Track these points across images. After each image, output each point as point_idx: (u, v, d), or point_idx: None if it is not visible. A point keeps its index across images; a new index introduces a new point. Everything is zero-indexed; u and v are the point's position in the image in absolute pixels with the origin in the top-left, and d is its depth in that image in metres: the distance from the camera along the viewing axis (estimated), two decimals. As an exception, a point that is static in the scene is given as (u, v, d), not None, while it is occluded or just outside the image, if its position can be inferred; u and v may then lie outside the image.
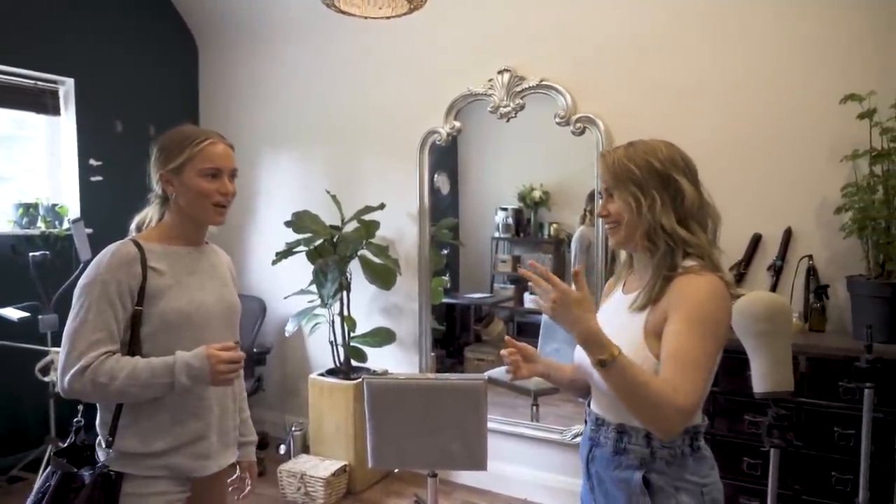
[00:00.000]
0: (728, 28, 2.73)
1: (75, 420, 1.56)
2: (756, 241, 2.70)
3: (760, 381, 1.76)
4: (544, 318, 3.66)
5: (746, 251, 2.70)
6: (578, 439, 3.18)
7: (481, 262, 3.86)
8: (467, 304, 3.95)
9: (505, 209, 3.72)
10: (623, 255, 1.48)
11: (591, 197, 3.33)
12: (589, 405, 1.47)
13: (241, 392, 1.74)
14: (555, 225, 3.63)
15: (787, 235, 2.63)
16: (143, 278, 1.43)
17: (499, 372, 3.75)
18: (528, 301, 3.81)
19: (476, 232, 3.79)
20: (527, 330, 3.89)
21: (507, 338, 1.50)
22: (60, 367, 1.38)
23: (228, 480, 1.70)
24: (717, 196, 1.36)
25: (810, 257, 2.57)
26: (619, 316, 1.36)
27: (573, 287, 1.23)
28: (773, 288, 2.62)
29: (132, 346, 1.43)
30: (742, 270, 2.68)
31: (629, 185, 1.30)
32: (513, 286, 3.86)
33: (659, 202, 1.28)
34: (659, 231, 1.28)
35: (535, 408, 3.48)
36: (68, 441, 1.55)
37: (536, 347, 3.56)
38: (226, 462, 1.59)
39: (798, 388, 2.11)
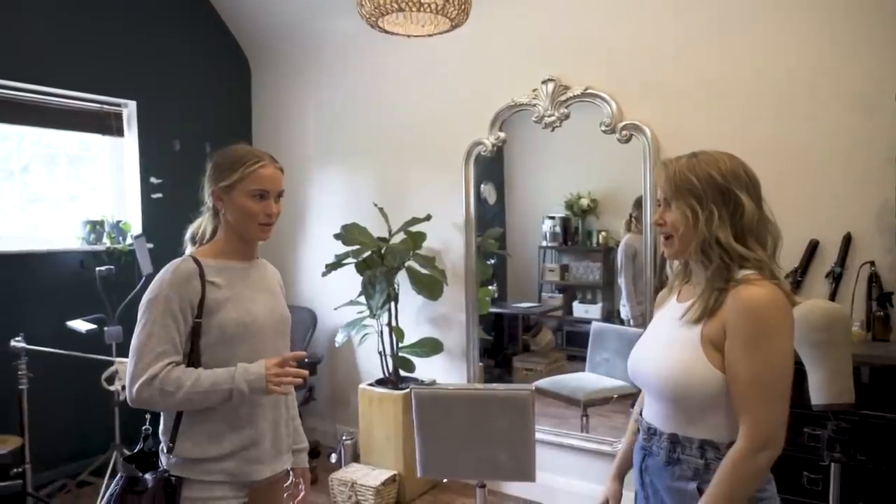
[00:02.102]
0: (781, 28, 2.66)
1: (144, 428, 1.66)
2: (813, 247, 2.61)
3: (818, 392, 1.70)
4: (594, 327, 3.62)
5: (803, 258, 2.61)
6: (629, 451, 3.14)
7: (529, 271, 3.83)
8: (515, 313, 3.92)
9: (552, 218, 3.69)
10: (676, 264, 1.48)
11: (637, 203, 3.26)
12: (641, 414, 1.46)
13: (292, 401, 1.80)
14: (603, 233, 3.59)
15: (847, 241, 2.53)
16: (203, 292, 1.50)
17: (547, 382, 3.73)
18: (577, 310, 3.77)
19: (523, 241, 3.78)
20: (575, 339, 3.83)
21: None
22: (129, 377, 1.45)
23: (283, 486, 1.75)
24: (771, 201, 1.34)
25: (872, 263, 2.46)
26: (672, 327, 1.35)
27: None
28: (833, 296, 2.52)
29: (192, 356, 1.50)
30: (798, 278, 2.59)
31: (687, 196, 1.30)
32: (561, 295, 3.82)
33: (716, 216, 1.27)
34: (714, 245, 1.28)
35: (584, 418, 3.44)
36: (137, 447, 1.63)
37: (586, 357, 3.61)
38: (280, 467, 1.64)
39: (861, 400, 2.02)
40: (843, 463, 1.78)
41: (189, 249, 1.64)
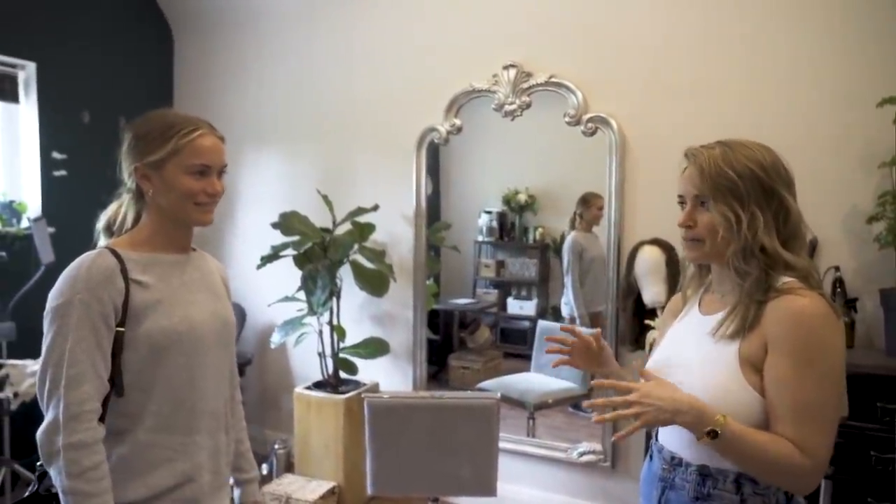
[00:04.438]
0: (755, 27, 2.59)
1: (38, 464, 1.27)
2: (778, 250, 2.57)
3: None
4: (540, 326, 3.50)
5: (768, 261, 2.57)
6: (586, 458, 3.03)
7: (464, 266, 3.70)
8: (451, 309, 3.78)
9: (489, 212, 3.58)
10: (691, 267, 1.32)
11: (582, 200, 3.20)
12: (657, 438, 1.29)
13: (238, 421, 1.52)
14: (540, 229, 3.51)
15: (813, 245, 2.50)
16: (127, 293, 1.20)
17: (494, 383, 3.58)
18: (512, 307, 3.68)
19: (459, 235, 3.63)
20: (510, 336, 3.77)
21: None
22: (50, 422, 1.14)
23: None
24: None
25: (837, 269, 2.44)
26: (702, 343, 1.19)
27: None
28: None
29: (112, 375, 1.19)
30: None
31: (727, 195, 1.13)
32: (496, 291, 3.73)
33: (761, 219, 1.12)
34: (756, 252, 1.12)
35: (531, 421, 3.32)
36: (29, 490, 1.29)
37: (521, 355, 3.49)
38: None
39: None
40: (834, 479, 1.70)
41: (103, 241, 1.32)
